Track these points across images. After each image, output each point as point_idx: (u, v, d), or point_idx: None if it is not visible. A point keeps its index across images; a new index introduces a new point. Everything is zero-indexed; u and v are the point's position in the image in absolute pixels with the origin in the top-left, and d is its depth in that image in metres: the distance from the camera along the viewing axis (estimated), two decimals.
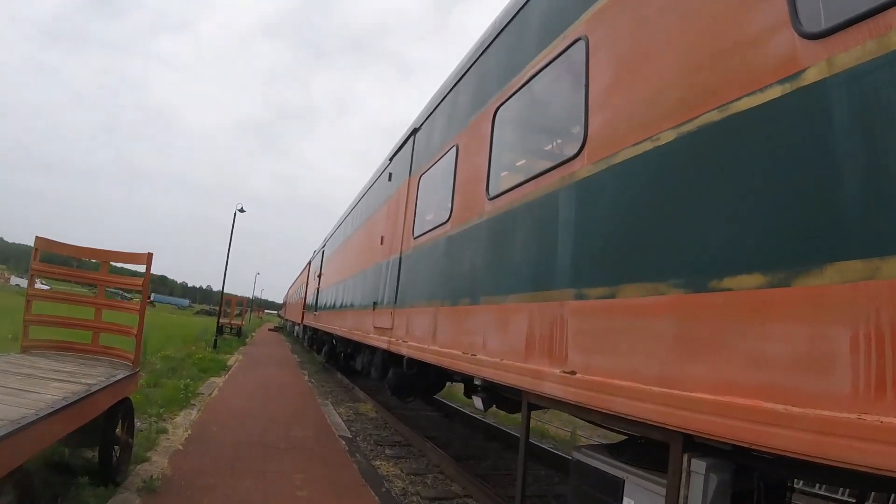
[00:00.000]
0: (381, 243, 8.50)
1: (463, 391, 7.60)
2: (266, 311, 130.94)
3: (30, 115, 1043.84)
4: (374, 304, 8.31)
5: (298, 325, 28.85)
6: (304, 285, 26.38)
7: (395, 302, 7.07)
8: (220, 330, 27.73)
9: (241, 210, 21.23)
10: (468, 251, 5.02)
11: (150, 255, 5.61)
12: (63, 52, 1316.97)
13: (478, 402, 5.26)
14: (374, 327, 8.14)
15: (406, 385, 7.84)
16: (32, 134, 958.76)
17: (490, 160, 4.85)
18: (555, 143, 4.47)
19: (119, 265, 6.05)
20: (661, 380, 2.49)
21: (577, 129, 3.53)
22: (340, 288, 12.93)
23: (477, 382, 5.03)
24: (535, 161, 4.53)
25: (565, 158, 3.58)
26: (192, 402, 9.67)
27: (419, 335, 6.13)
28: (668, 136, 2.69)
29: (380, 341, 7.80)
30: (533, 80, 4.28)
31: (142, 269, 5.67)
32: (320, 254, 19.69)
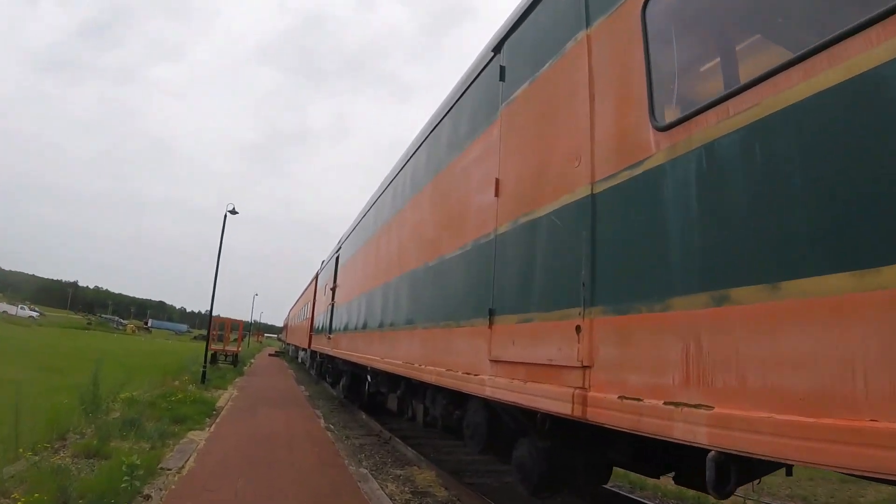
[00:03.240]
0: (498, 194, 4.57)
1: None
2: (266, 335, 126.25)
3: (28, 144, 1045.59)
4: (491, 312, 4.36)
5: (304, 350, 24.72)
6: (310, 303, 22.33)
7: (592, 301, 3.12)
8: (212, 359, 23.64)
9: (233, 212, 17.30)
10: None
11: None
12: (62, 81, 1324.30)
13: None
14: (494, 360, 4.22)
15: (560, 472, 3.89)
16: (31, 162, 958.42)
17: None
18: None
19: None
20: None
21: None
22: (375, 298, 8.92)
23: None
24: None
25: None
26: (143, 494, 5.64)
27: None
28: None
29: (516, 390, 3.81)
30: None
31: None
32: (332, 261, 15.67)
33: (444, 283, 5.52)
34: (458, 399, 5.59)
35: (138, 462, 6.26)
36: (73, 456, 6.91)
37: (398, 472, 7.96)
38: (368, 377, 9.93)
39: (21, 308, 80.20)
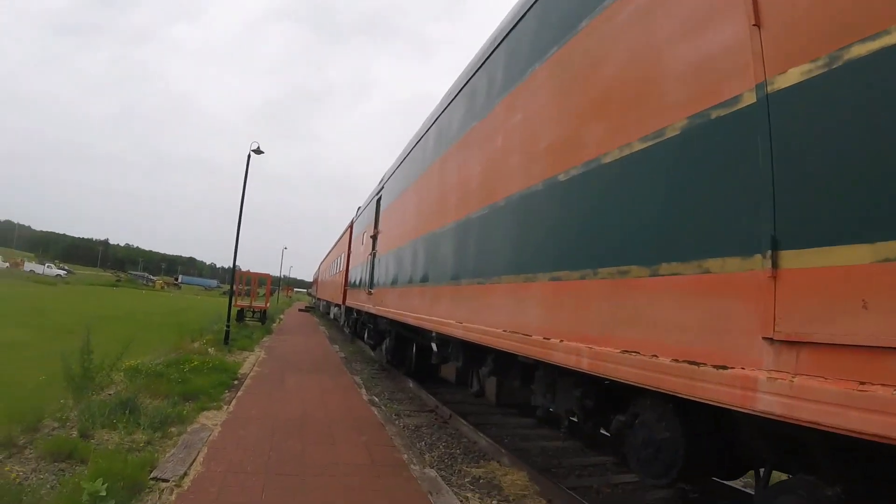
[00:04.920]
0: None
1: None
2: (296, 289, 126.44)
3: (47, 106, 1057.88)
4: (776, 244, 2.17)
5: (338, 306, 22.89)
6: (344, 255, 20.32)
7: None
8: (238, 316, 22.01)
9: (258, 151, 15.08)
10: None
11: None
12: (81, 42, 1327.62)
13: None
14: (791, 341, 1.98)
15: None
16: (51, 124, 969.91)
17: None
18: None
19: None
20: None
21: None
22: (443, 241, 6.66)
23: None
24: None
25: None
26: None
27: None
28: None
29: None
30: None
31: None
32: (373, 205, 13.38)
33: (618, 196, 3.18)
34: (620, 393, 3.43)
35: (118, 472, 4.37)
36: (38, 458, 5.02)
37: (475, 470, 5.91)
38: (434, 346, 7.67)
39: (48, 267, 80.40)
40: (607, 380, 3.18)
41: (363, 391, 9.76)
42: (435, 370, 10.34)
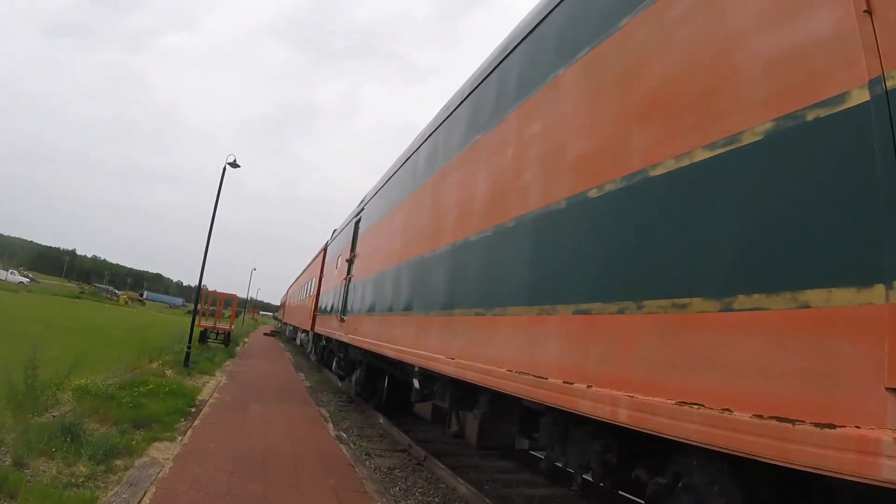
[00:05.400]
0: None
1: None
2: (262, 312, 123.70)
3: (37, 107, 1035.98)
4: None
5: (305, 332, 22.10)
6: (315, 279, 19.69)
7: None
8: (201, 337, 21.09)
9: (234, 164, 14.53)
10: None
11: None
12: (73, 46, 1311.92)
13: None
14: None
15: None
16: (37, 125, 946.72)
17: None
18: None
19: None
20: None
21: None
22: (434, 266, 6.16)
23: None
24: None
25: None
26: None
27: None
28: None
29: None
30: None
31: None
32: (350, 227, 12.87)
33: (671, 214, 2.72)
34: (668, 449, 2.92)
35: None
36: None
37: None
38: (416, 382, 7.01)
39: (11, 273, 77.21)
40: (649, 434, 2.66)
41: (330, 425, 9.14)
42: (408, 405, 9.79)
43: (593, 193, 3.33)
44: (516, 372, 3.83)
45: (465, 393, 5.42)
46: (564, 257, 3.58)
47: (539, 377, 3.53)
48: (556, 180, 3.83)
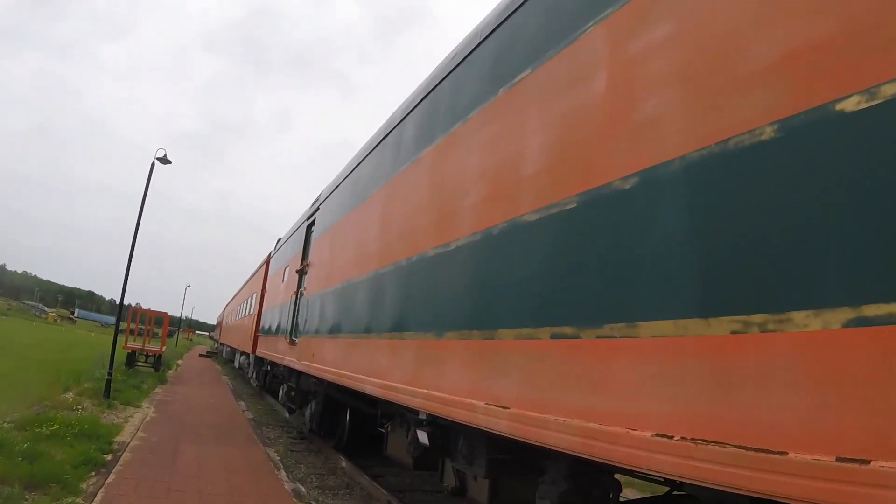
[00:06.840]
0: None
1: None
2: (197, 332, 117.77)
3: None
4: None
5: (245, 355, 20.06)
6: (257, 295, 17.85)
7: None
8: (129, 360, 18.84)
9: (163, 160, 12.68)
10: None
11: None
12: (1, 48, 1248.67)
13: None
14: None
15: None
16: None
17: None
18: None
19: None
20: None
21: None
22: (428, 274, 4.67)
23: None
24: None
25: None
26: None
27: None
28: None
29: None
30: None
31: None
32: (300, 233, 11.15)
33: None
34: None
35: None
36: None
37: None
38: (422, 435, 4.88)
39: None
40: None
41: (283, 473, 7.56)
42: (376, 444, 8.23)
43: None
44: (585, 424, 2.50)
45: (518, 457, 3.97)
46: None
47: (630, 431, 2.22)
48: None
